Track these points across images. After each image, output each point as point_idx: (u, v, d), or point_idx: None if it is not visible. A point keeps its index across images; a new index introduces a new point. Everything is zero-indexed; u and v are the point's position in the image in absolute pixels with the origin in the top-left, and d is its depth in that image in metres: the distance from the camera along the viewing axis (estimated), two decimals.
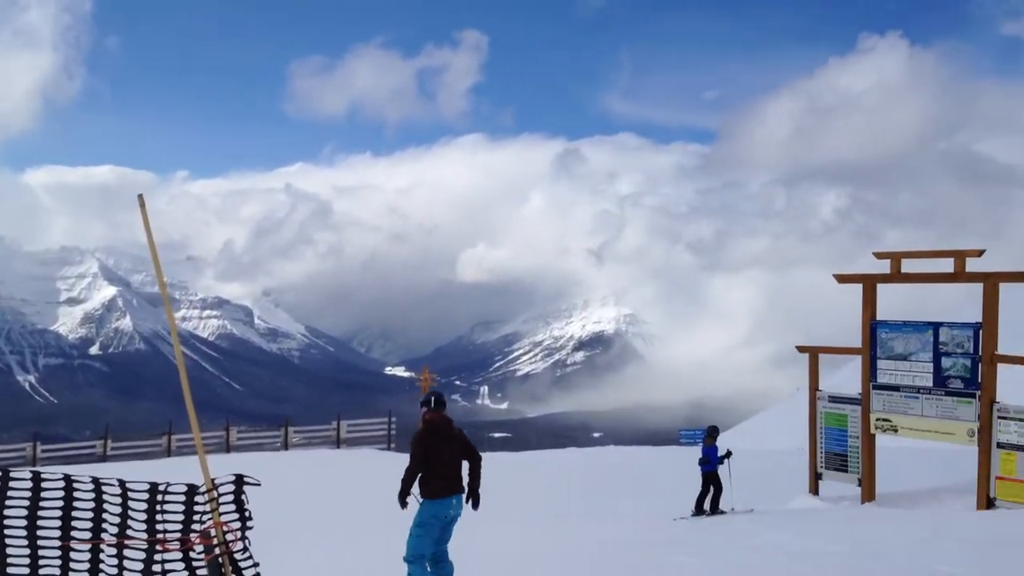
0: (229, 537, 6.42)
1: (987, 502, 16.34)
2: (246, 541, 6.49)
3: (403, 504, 9.47)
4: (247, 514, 6.51)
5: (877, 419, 17.93)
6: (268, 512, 9.35)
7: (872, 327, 17.93)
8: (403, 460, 10.14)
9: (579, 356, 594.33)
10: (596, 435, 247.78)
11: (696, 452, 20.62)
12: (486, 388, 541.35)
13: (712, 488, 18.09)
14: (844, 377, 28.01)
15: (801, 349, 19.74)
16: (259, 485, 6.38)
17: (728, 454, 18.26)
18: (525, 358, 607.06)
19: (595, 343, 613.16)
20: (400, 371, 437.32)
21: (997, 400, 16.42)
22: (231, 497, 6.45)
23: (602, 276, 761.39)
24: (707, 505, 18.00)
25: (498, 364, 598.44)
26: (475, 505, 9.67)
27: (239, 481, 6.48)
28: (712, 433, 18.70)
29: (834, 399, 18.97)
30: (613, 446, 48.77)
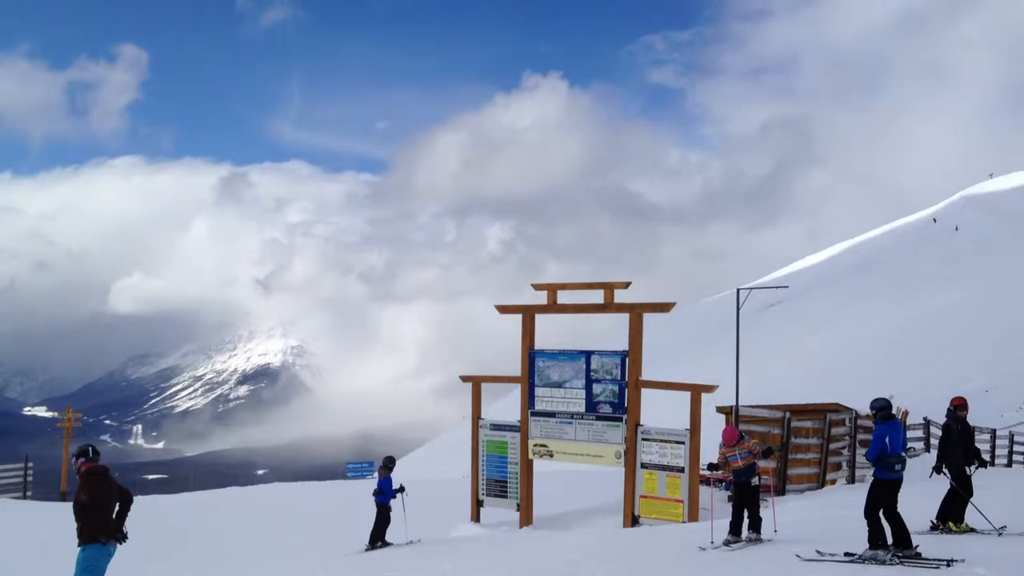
0: None
1: (632, 520, 17.43)
2: None
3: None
4: None
5: (535, 445, 18.65)
6: None
7: (531, 356, 18.67)
8: (45, 509, 9.47)
9: (243, 390, 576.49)
10: (260, 472, 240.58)
11: (364, 485, 20.43)
12: (140, 427, 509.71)
13: (382, 520, 17.95)
14: (507, 405, 29.01)
15: (464, 379, 20.17)
16: None
17: (401, 489, 18.18)
18: (184, 393, 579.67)
19: (260, 376, 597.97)
20: (41, 411, 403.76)
21: (641, 423, 17.59)
22: None
23: (269, 307, 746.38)
24: (388, 537, 17.79)
25: (154, 400, 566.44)
26: (121, 539, 10.17)
27: None
28: (387, 464, 18.54)
29: (495, 427, 19.53)
30: (279, 483, 47.50)
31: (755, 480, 13.65)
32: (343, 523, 21.31)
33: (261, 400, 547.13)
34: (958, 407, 14.38)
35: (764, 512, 14.29)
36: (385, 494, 17.82)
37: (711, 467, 14.34)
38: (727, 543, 13.40)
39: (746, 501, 13.64)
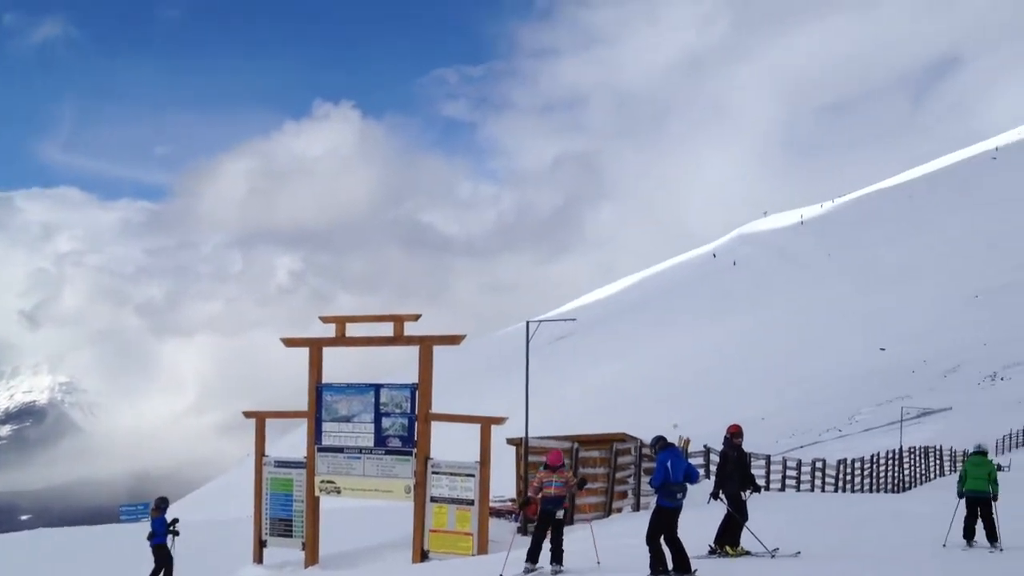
0: None
1: (422, 555, 17.17)
2: None
3: None
4: None
5: (322, 481, 18.13)
6: None
7: (318, 390, 18.19)
8: None
9: (5, 430, 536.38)
10: (24, 518, 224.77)
11: (140, 528, 19.31)
12: None
13: (160, 561, 17.03)
14: (295, 441, 28.18)
15: (248, 414, 19.44)
16: None
17: (175, 521, 17.29)
18: None
19: (25, 415, 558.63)
20: None
21: (431, 456, 17.41)
22: None
23: (36, 341, 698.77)
24: None
25: None
26: None
27: None
28: (159, 505, 17.61)
29: (280, 464, 18.88)
30: (44, 529, 44.27)
31: (560, 513, 13.66)
32: (117, 570, 20.02)
33: (26, 440, 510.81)
34: (734, 435, 14.97)
35: (585, 542, 14.40)
36: (159, 535, 17.07)
37: (522, 504, 14.25)
38: (527, 571, 13.38)
39: (551, 532, 13.63)
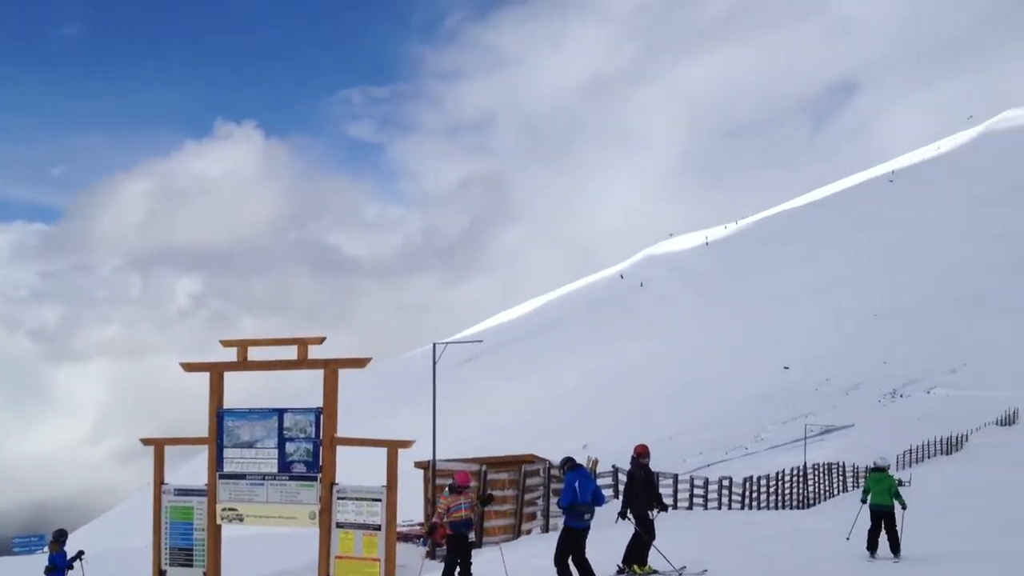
0: None
1: None
2: None
3: None
4: None
5: (223, 509, 17.63)
6: None
7: (219, 415, 17.71)
8: None
9: None
10: None
11: (36, 560, 18.56)
12: None
13: None
14: (196, 468, 27.46)
15: (146, 442, 18.79)
16: None
17: (81, 554, 16.65)
18: None
19: None
20: None
21: (336, 481, 17.07)
22: None
23: None
24: None
25: None
26: None
27: None
28: (58, 538, 16.92)
29: (180, 492, 18.30)
30: None
31: (471, 534, 13.53)
32: None
33: None
34: (640, 455, 15.04)
35: (494, 564, 14.25)
36: (59, 569, 16.40)
37: (429, 530, 14.06)
38: None
39: (462, 554, 13.46)
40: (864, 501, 16.87)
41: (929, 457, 54.86)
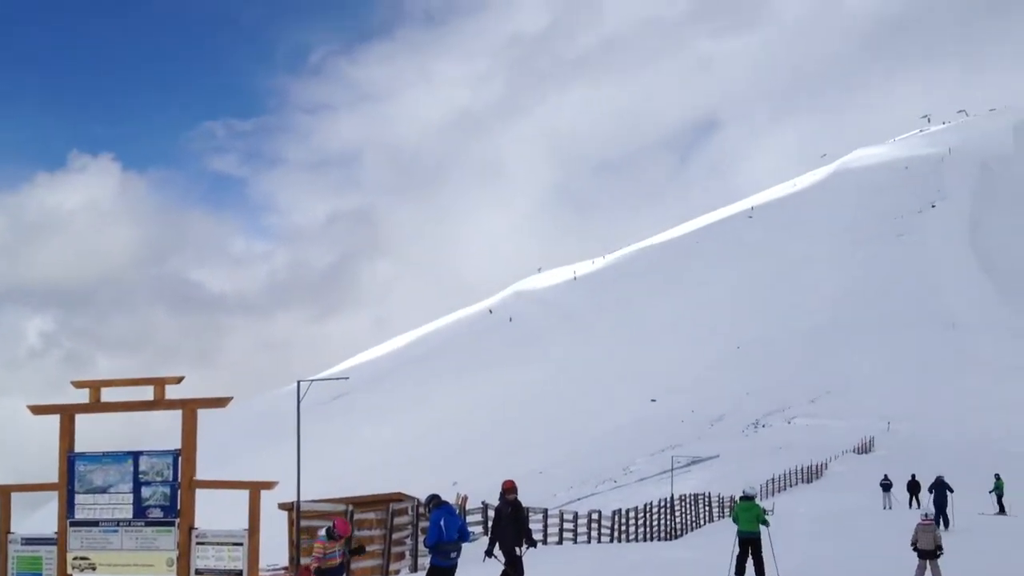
0: None
1: None
2: None
3: None
4: None
5: (74, 558, 16.80)
6: None
7: (70, 460, 16.92)
8: None
9: None
10: None
11: None
12: None
13: None
14: (46, 515, 26.18)
15: None
16: None
17: None
18: None
19: None
20: None
21: (196, 526, 16.50)
22: None
23: None
24: None
25: None
26: None
27: None
28: None
29: (28, 541, 17.38)
30: None
31: None
32: None
33: None
34: (508, 490, 15.01)
35: None
36: None
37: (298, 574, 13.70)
38: None
39: None
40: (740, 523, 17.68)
41: (791, 485, 56.50)
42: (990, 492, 40.14)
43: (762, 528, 17.46)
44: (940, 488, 32.62)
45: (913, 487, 43.27)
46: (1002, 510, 39.30)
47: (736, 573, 17.20)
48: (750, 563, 17.28)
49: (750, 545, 17.21)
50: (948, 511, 31.63)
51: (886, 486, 44.47)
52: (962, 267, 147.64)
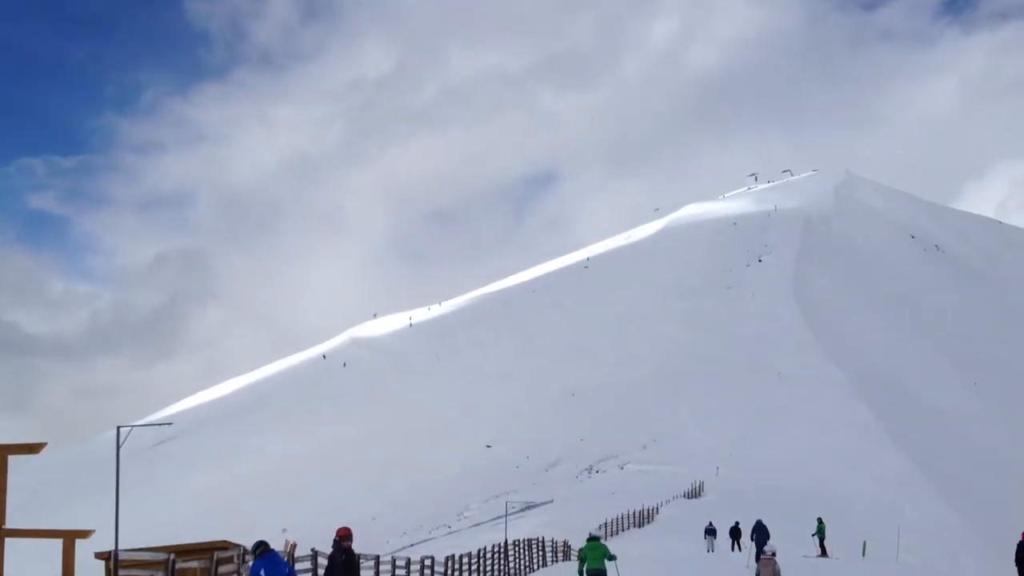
0: None
1: None
2: None
3: None
4: None
5: None
6: None
7: None
8: None
9: None
10: None
11: None
12: None
13: None
14: None
15: None
16: None
17: None
18: None
19: None
20: None
21: None
22: None
23: None
24: None
25: None
26: None
27: None
28: None
29: None
30: None
31: None
32: None
33: None
34: (343, 537, 14.74)
35: None
36: None
37: None
38: None
39: None
40: (581, 573, 18.97)
41: (624, 530, 57.37)
42: (812, 535, 41.89)
43: (610, 565, 19.16)
44: (760, 531, 33.93)
45: (735, 533, 44.90)
46: (824, 552, 41.05)
47: None
48: None
49: None
50: None
51: (711, 531, 45.91)
52: (786, 319, 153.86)
